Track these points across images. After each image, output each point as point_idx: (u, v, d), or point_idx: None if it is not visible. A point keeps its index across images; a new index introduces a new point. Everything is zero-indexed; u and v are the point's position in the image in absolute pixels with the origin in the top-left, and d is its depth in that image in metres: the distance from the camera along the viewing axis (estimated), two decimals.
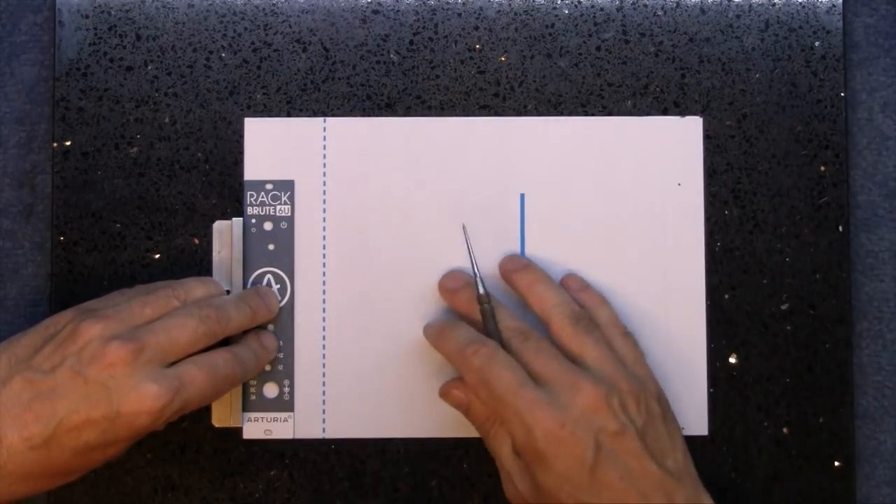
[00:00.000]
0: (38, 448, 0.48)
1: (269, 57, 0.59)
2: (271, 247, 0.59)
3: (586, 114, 0.59)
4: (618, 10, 0.60)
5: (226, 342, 0.55)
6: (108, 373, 0.49)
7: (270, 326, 0.58)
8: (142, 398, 0.49)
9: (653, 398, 0.53)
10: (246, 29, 0.59)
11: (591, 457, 0.49)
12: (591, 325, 0.54)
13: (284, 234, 0.59)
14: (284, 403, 0.58)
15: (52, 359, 0.49)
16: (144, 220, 0.59)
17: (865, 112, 0.61)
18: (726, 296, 0.59)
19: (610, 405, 0.51)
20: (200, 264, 0.59)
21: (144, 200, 0.59)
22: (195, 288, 0.55)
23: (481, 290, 0.55)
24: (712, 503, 0.51)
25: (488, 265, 0.58)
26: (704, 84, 0.60)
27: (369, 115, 0.59)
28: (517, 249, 0.59)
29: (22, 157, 0.60)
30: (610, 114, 0.60)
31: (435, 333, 0.56)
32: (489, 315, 0.54)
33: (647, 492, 0.50)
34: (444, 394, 0.56)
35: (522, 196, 0.59)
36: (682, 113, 0.60)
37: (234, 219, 0.59)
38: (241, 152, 0.59)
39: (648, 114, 0.59)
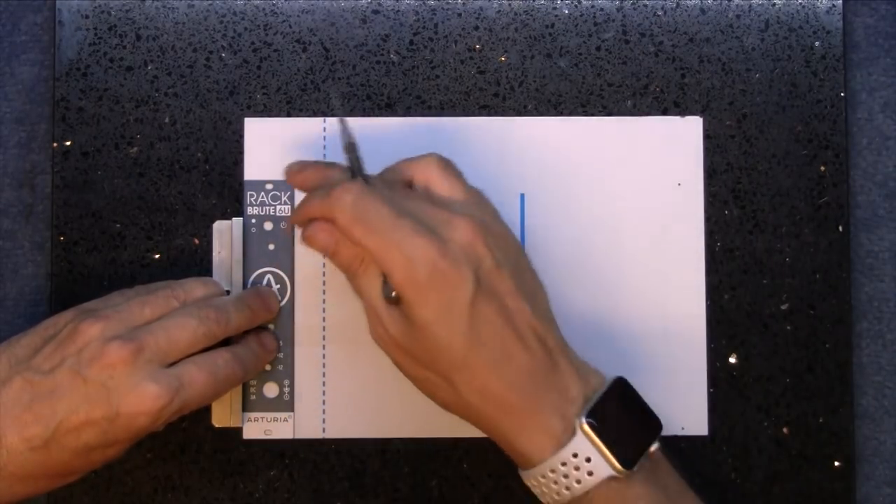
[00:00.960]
0: (38, 449, 0.48)
1: (269, 57, 0.59)
2: (271, 247, 0.59)
3: (586, 114, 0.59)
4: (618, 10, 0.60)
5: (226, 342, 0.55)
6: (107, 373, 0.49)
7: (270, 326, 0.58)
8: (141, 398, 0.49)
9: (520, 250, 0.51)
10: (246, 29, 0.59)
11: (471, 289, 0.48)
12: (457, 170, 0.52)
13: (284, 234, 0.59)
14: (284, 403, 0.58)
15: (52, 359, 0.49)
16: (144, 220, 0.59)
17: (865, 112, 0.61)
18: (726, 296, 0.59)
19: (486, 241, 0.49)
20: (200, 264, 0.59)
21: (144, 200, 0.59)
22: (195, 288, 0.55)
23: (350, 140, 0.52)
24: (581, 360, 0.51)
25: None
26: (704, 84, 0.60)
27: (369, 115, 0.59)
28: None
29: (22, 157, 0.60)
30: (610, 114, 0.60)
31: (296, 171, 0.53)
32: (357, 164, 0.52)
33: (522, 329, 0.49)
34: (309, 237, 0.51)
35: (522, 196, 0.59)
36: (682, 113, 0.60)
37: (234, 219, 0.59)
38: (241, 152, 0.59)
39: (648, 114, 0.60)
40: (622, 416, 0.50)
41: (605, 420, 0.49)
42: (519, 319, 0.49)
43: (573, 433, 0.48)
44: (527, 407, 0.49)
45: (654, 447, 0.50)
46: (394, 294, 0.49)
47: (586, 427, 0.48)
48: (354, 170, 0.52)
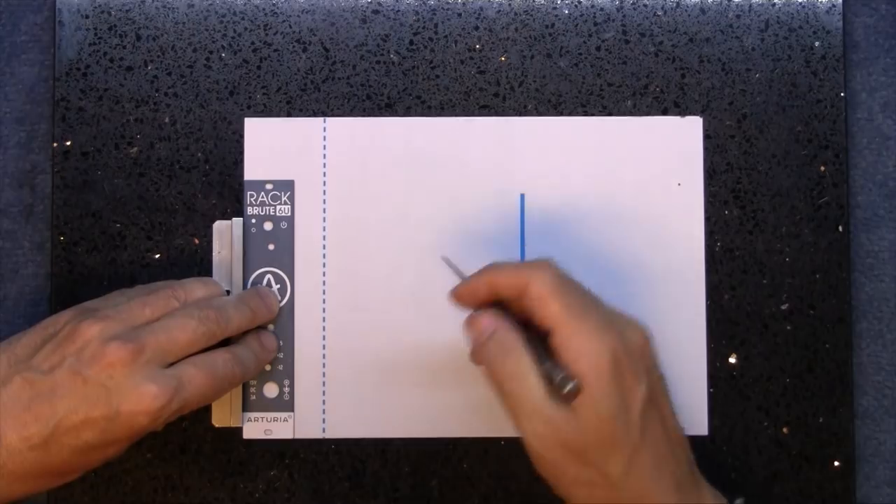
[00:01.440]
0: (37, 448, 0.48)
1: (269, 57, 0.59)
2: (271, 247, 0.59)
3: (586, 114, 0.60)
4: (618, 10, 0.60)
5: (226, 342, 0.55)
6: (107, 373, 0.49)
7: (270, 326, 0.58)
8: (141, 398, 0.49)
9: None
10: (246, 29, 0.59)
11: (645, 390, 0.48)
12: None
13: (284, 234, 0.59)
14: (284, 403, 0.58)
15: (52, 359, 0.50)
16: (144, 220, 0.59)
17: (865, 112, 0.61)
18: (726, 296, 0.59)
19: (653, 349, 0.50)
20: (200, 264, 0.59)
21: (144, 200, 0.59)
22: (195, 288, 0.55)
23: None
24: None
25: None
26: (704, 84, 0.60)
27: (369, 115, 0.59)
28: (517, 249, 0.59)
29: (22, 157, 0.60)
30: (610, 114, 0.60)
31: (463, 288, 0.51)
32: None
33: (674, 444, 0.49)
34: (473, 319, 0.50)
35: (522, 196, 0.59)
36: (682, 113, 0.60)
37: (234, 219, 0.59)
38: (241, 152, 0.59)
39: (648, 114, 0.60)
40: None
41: None
42: (672, 431, 0.50)
43: None
44: None
45: None
46: (571, 385, 0.47)
47: None
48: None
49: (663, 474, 0.49)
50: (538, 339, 0.49)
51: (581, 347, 0.47)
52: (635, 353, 0.49)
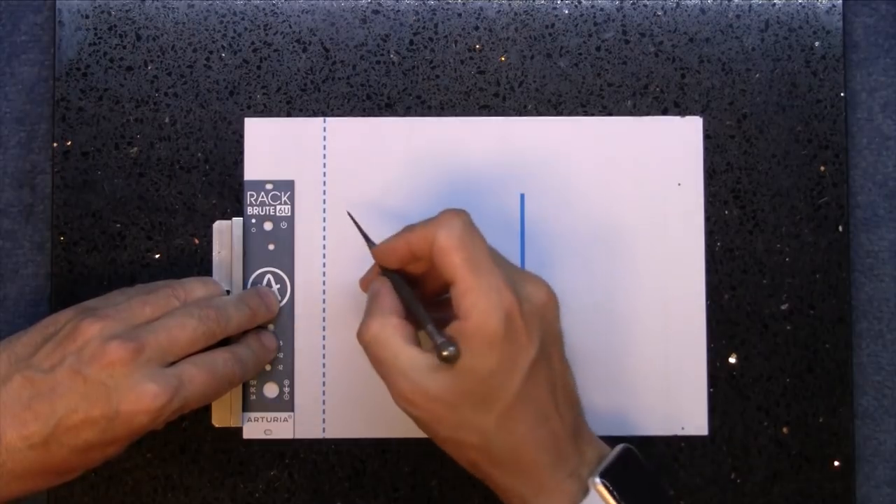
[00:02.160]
0: (37, 447, 0.48)
1: (269, 57, 0.59)
2: (271, 247, 0.59)
3: (586, 114, 0.60)
4: (618, 10, 0.60)
5: (226, 342, 0.55)
6: (107, 372, 0.49)
7: (271, 326, 0.58)
8: (141, 397, 0.49)
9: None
10: (246, 29, 0.59)
11: (535, 351, 0.49)
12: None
13: (284, 234, 0.59)
14: (284, 403, 0.58)
15: (52, 358, 0.50)
16: (144, 220, 0.59)
17: (865, 112, 0.61)
18: (726, 296, 0.59)
19: (556, 309, 0.51)
20: (200, 264, 0.59)
21: (144, 200, 0.59)
22: (195, 288, 0.55)
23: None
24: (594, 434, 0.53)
25: None
26: (704, 84, 0.60)
27: (369, 115, 0.59)
28: (517, 249, 0.59)
29: (22, 157, 0.60)
30: (610, 114, 0.60)
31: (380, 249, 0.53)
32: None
33: (561, 402, 0.51)
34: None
35: (522, 196, 0.59)
36: (682, 113, 0.60)
37: (234, 219, 0.59)
38: (241, 152, 0.59)
39: (648, 114, 0.60)
40: (631, 478, 0.51)
41: (616, 481, 0.50)
42: (561, 389, 0.51)
43: (587, 492, 0.50)
44: (550, 467, 0.50)
45: None
46: (452, 349, 0.48)
47: (600, 486, 0.50)
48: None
49: (540, 432, 0.50)
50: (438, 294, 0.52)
51: (474, 303, 0.48)
52: (533, 312, 0.49)
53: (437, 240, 0.49)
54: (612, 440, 0.53)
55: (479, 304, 0.48)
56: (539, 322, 0.49)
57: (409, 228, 0.51)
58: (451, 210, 0.50)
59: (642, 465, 0.52)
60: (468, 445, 0.50)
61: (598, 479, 0.50)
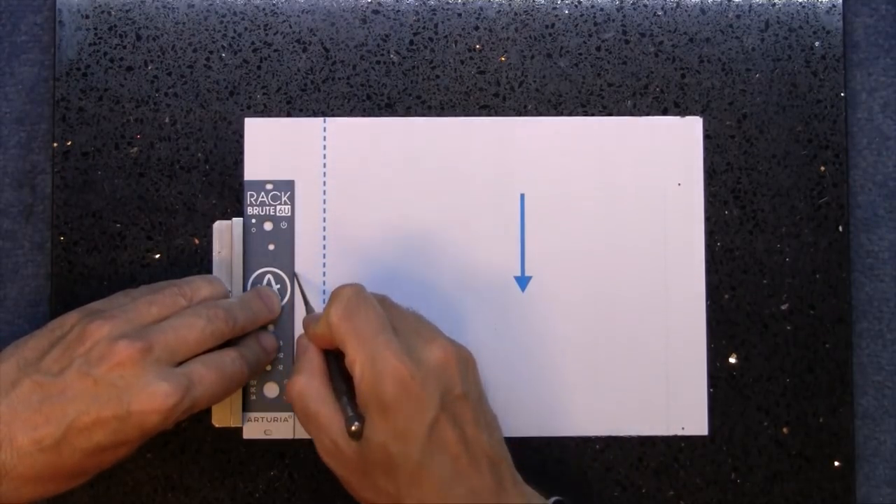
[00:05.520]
0: (48, 450, 0.48)
1: (269, 57, 0.59)
2: (271, 247, 0.59)
3: (586, 114, 0.60)
4: (618, 10, 0.60)
5: (225, 344, 0.54)
6: (117, 372, 0.49)
7: (270, 327, 0.58)
8: (152, 397, 0.49)
9: (480, 381, 0.53)
10: (246, 29, 0.59)
11: (434, 412, 0.49)
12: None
13: (284, 234, 0.59)
14: (284, 403, 0.58)
15: (61, 361, 0.49)
16: (144, 220, 0.59)
17: (865, 112, 0.61)
18: (726, 296, 0.59)
19: (458, 367, 0.50)
20: (200, 264, 0.59)
21: (144, 200, 0.59)
22: (201, 287, 0.55)
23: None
24: (531, 490, 0.52)
25: (489, 266, 0.58)
26: (704, 84, 0.60)
27: (369, 115, 0.59)
28: (517, 249, 0.59)
29: (22, 157, 0.60)
30: (610, 114, 0.60)
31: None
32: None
33: (478, 458, 0.50)
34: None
35: (522, 196, 0.59)
36: (682, 113, 0.60)
37: (234, 219, 0.59)
38: (241, 152, 0.59)
39: (648, 114, 0.60)
40: None
41: None
42: (475, 446, 0.50)
43: None
44: None
45: None
46: (356, 426, 0.50)
47: None
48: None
49: (457, 491, 0.49)
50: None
51: (362, 374, 0.49)
52: (429, 374, 0.49)
53: (329, 316, 0.51)
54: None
55: (365, 375, 0.49)
56: (436, 383, 0.49)
57: (308, 323, 0.54)
58: (341, 286, 0.52)
59: None
60: None
61: None
